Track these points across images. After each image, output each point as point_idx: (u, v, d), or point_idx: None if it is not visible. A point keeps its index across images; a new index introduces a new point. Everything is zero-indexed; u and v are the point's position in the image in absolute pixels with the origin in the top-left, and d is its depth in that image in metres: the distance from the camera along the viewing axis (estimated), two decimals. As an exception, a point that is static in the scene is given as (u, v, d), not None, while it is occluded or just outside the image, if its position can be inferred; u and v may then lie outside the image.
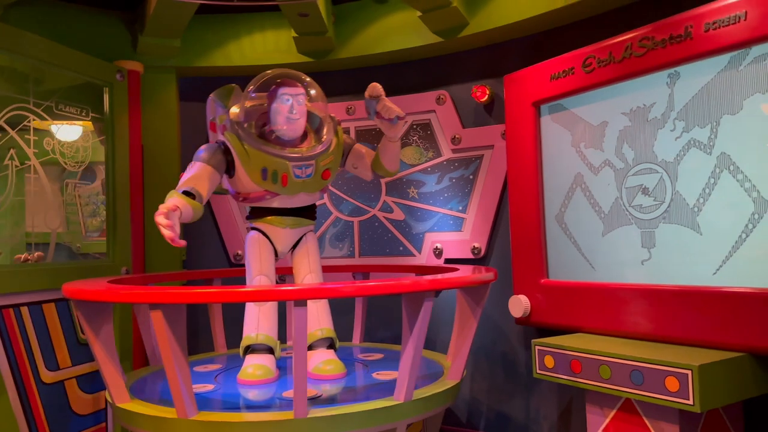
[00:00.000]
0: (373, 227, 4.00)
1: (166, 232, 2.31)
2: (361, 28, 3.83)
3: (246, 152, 2.72)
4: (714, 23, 2.47)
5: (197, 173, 2.67)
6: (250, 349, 2.83)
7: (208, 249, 4.20)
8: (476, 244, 3.67)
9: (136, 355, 3.71)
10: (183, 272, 3.88)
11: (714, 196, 2.54)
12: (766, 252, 2.36)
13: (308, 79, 2.86)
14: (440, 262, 3.77)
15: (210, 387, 2.67)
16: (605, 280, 2.97)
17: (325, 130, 2.85)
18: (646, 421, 2.52)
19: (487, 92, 3.61)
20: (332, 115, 2.92)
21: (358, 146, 3.02)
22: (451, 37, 3.58)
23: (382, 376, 2.79)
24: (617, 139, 2.93)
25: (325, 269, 3.67)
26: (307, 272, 2.95)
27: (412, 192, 3.90)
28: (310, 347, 2.91)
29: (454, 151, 3.76)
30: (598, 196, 3.01)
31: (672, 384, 2.29)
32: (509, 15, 3.37)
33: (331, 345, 2.93)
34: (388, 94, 2.73)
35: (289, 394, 2.48)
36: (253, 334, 2.81)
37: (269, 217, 2.88)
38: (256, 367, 2.75)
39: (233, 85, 2.92)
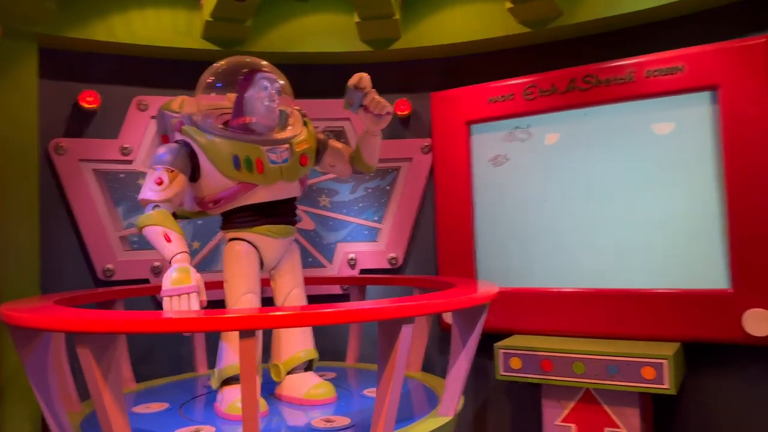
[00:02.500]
0: (277, 237, 3.72)
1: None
2: (281, 23, 3.56)
3: (212, 143, 2.38)
4: (655, 71, 3.00)
5: (178, 187, 2.35)
6: (227, 380, 2.44)
7: (67, 264, 3.39)
8: (393, 255, 3.71)
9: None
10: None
11: (642, 213, 3.06)
12: (690, 260, 2.95)
13: None
14: (355, 273, 3.70)
15: (211, 429, 2.22)
16: (543, 286, 3.31)
17: (290, 121, 2.61)
18: (606, 408, 2.91)
19: (410, 107, 3.69)
20: (299, 107, 2.69)
21: (333, 142, 2.82)
22: (380, 48, 3.58)
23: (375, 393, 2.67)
24: (553, 160, 3.30)
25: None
26: (293, 286, 2.68)
27: (324, 201, 3.75)
28: (291, 371, 2.63)
29: (370, 161, 3.74)
30: (534, 210, 3.34)
31: (648, 373, 2.71)
32: (442, 36, 3.52)
33: (308, 366, 2.69)
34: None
35: (320, 423, 2.23)
36: (235, 363, 2.43)
37: (260, 227, 2.52)
38: (247, 399, 2.38)
39: (182, 96, 2.56)
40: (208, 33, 3.44)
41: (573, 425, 2.97)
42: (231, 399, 2.39)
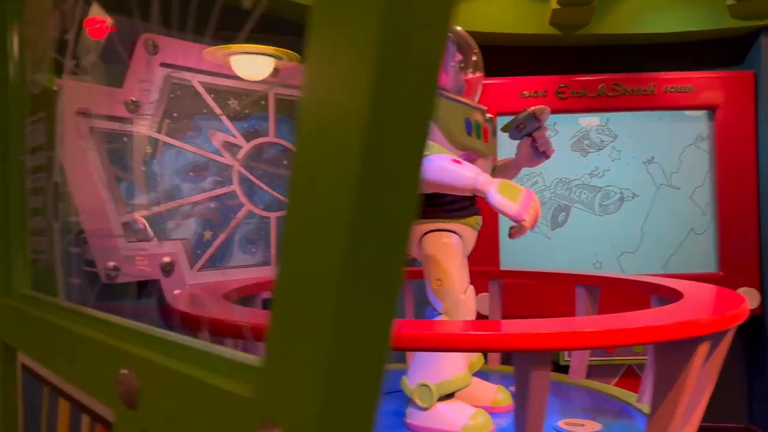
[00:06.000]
0: (294, 226, 3.16)
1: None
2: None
3: (442, 103, 2.02)
4: (672, 87, 3.50)
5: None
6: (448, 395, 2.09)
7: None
8: (409, 246, 3.51)
9: None
10: None
11: (656, 208, 3.56)
12: (697, 251, 3.55)
13: None
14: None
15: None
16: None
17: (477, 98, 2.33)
18: (645, 380, 3.31)
19: (430, 90, 3.53)
20: None
21: None
22: (419, 24, 3.33)
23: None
24: (577, 156, 3.57)
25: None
26: (468, 283, 2.38)
27: (343, 185, 3.32)
28: (469, 377, 2.37)
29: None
30: (555, 199, 3.56)
31: (696, 345, 3.18)
32: (473, 23, 3.45)
33: (473, 370, 2.45)
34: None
35: (568, 427, 2.08)
36: (461, 373, 2.10)
37: (470, 218, 2.17)
38: (476, 416, 2.07)
39: None
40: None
41: (616, 399, 3.30)
42: (460, 417, 2.04)
